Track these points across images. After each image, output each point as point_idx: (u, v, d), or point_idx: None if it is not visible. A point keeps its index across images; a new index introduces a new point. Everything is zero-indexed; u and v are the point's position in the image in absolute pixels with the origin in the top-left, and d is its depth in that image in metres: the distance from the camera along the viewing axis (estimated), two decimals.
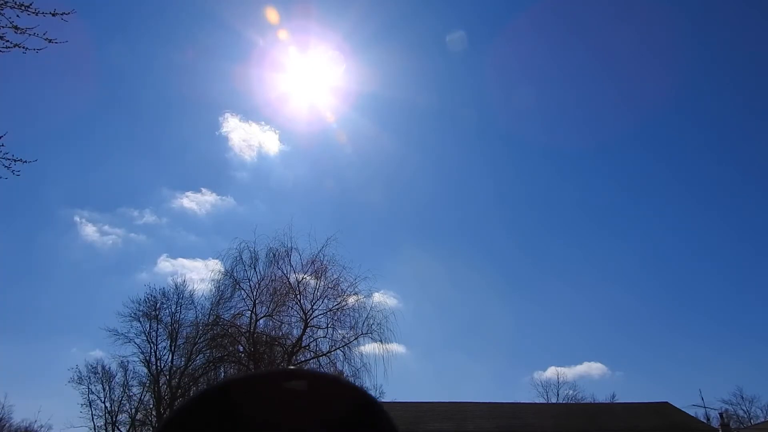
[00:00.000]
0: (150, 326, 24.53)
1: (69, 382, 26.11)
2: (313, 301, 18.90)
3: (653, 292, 53.28)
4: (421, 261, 44.30)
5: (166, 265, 38.06)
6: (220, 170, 45.63)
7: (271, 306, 18.87)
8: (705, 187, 53.80)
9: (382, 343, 18.08)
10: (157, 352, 24.61)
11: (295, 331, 18.93)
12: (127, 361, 25.00)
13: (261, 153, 42.50)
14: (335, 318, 18.72)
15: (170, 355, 24.37)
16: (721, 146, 54.51)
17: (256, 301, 18.72)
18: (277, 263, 19.32)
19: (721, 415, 19.57)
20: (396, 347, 19.32)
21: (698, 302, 53.28)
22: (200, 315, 20.95)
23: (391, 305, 23.99)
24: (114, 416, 26.12)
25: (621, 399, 32.43)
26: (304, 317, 18.61)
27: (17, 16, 6.52)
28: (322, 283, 19.09)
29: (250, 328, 18.57)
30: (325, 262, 19.23)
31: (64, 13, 6.86)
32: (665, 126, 53.38)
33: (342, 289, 19.01)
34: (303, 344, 18.51)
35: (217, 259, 21.87)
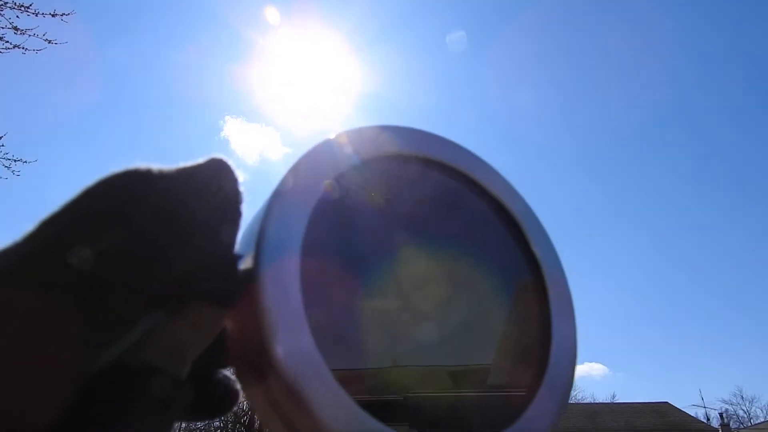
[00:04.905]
0: None
1: None
2: None
3: (653, 293, 53.27)
4: None
5: None
6: None
7: None
8: (705, 188, 53.82)
9: None
10: None
11: None
12: None
13: (263, 156, 42.53)
14: None
15: None
16: (721, 147, 54.49)
17: None
18: None
19: (721, 415, 19.55)
20: None
21: (698, 303, 53.28)
22: None
23: None
24: None
25: (621, 399, 32.45)
26: None
27: (17, 17, 6.55)
28: None
29: None
30: None
31: (64, 14, 6.88)
32: (663, 127, 53.34)
33: None
34: None
35: None
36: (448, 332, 0.31)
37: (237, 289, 0.25)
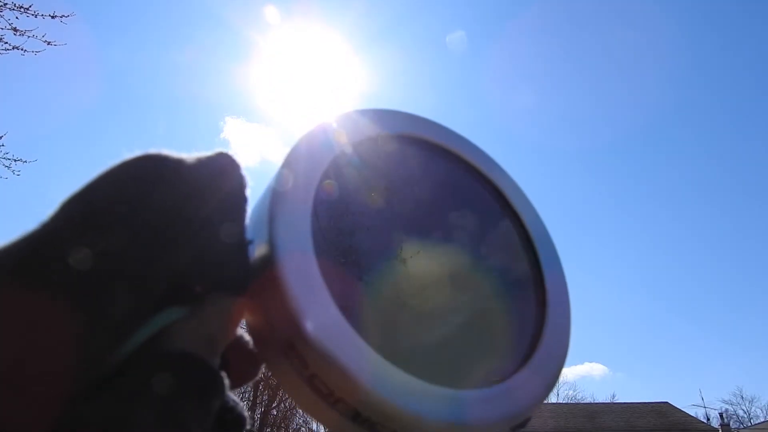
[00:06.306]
0: None
1: None
2: None
3: (654, 293, 53.29)
4: None
5: None
6: None
7: None
8: (704, 187, 53.84)
9: None
10: None
11: None
12: None
13: (264, 156, 42.62)
14: None
15: None
16: (724, 146, 54.52)
17: None
18: None
19: (721, 415, 19.55)
20: None
21: (698, 303, 53.29)
22: None
23: None
24: None
25: (621, 399, 32.46)
26: None
27: (16, 18, 6.54)
28: None
29: None
30: None
31: (64, 15, 6.87)
32: (663, 127, 53.38)
33: None
34: None
35: None
36: (452, 298, 0.33)
37: (254, 276, 0.25)
